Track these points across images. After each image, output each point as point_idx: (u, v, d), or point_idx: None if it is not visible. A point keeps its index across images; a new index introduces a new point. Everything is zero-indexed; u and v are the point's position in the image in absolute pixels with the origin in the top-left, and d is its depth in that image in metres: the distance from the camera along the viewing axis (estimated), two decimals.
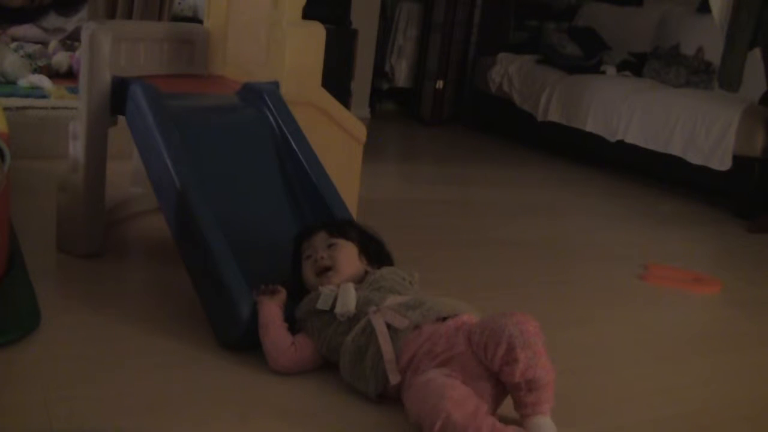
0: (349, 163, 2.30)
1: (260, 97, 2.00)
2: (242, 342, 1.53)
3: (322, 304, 1.49)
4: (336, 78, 3.93)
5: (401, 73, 5.30)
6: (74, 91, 2.93)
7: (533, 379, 1.28)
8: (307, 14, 2.09)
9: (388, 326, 1.41)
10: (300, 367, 1.48)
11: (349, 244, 1.62)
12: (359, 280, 1.57)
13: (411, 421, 1.32)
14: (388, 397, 1.40)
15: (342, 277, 1.56)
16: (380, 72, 5.29)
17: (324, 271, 1.57)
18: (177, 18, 4.10)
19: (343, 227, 1.67)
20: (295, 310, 1.54)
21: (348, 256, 1.60)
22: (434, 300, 1.47)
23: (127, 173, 2.45)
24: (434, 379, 1.28)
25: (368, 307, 1.45)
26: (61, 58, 3.46)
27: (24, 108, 2.88)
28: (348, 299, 1.47)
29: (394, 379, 1.37)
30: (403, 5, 5.23)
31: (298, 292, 1.58)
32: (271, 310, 1.50)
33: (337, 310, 1.46)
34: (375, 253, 1.66)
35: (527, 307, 2.04)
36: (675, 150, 3.63)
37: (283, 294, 1.54)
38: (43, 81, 3.13)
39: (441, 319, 1.42)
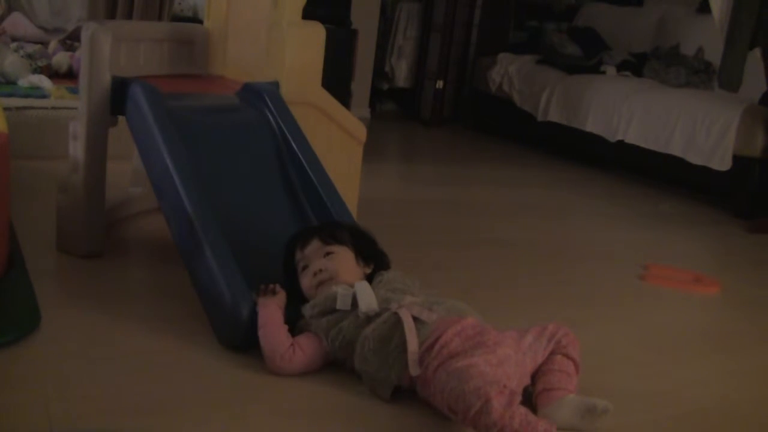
0: (349, 163, 2.30)
1: (260, 98, 2.00)
2: (242, 342, 1.53)
3: (342, 305, 1.48)
4: (336, 78, 3.92)
5: (401, 73, 5.30)
6: (74, 91, 2.93)
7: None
8: (307, 14, 2.09)
9: (415, 319, 1.41)
10: (298, 369, 1.47)
11: (344, 250, 1.61)
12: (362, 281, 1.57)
13: (436, 400, 1.33)
14: (401, 391, 1.41)
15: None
16: (380, 72, 5.29)
17: (323, 283, 1.56)
18: (177, 18, 4.10)
19: (335, 232, 1.64)
20: (303, 308, 1.53)
21: (346, 264, 1.59)
22: (448, 301, 1.49)
23: (127, 173, 2.45)
24: (477, 365, 1.29)
25: (389, 304, 1.46)
26: (61, 58, 3.46)
27: (24, 108, 2.87)
28: (370, 298, 1.47)
29: (414, 370, 1.37)
30: (403, 5, 5.23)
31: (293, 297, 1.57)
32: (271, 312, 1.49)
33: (363, 309, 1.45)
34: (370, 253, 1.65)
35: (527, 307, 2.04)
36: (675, 150, 3.63)
37: (283, 295, 1.54)
38: (43, 81, 3.13)
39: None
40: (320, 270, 1.57)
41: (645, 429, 1.46)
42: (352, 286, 1.51)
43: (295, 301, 1.55)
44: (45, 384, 1.34)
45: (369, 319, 1.45)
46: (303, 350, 1.47)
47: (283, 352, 1.46)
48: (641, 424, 1.48)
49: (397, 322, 1.41)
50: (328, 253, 1.59)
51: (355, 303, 1.47)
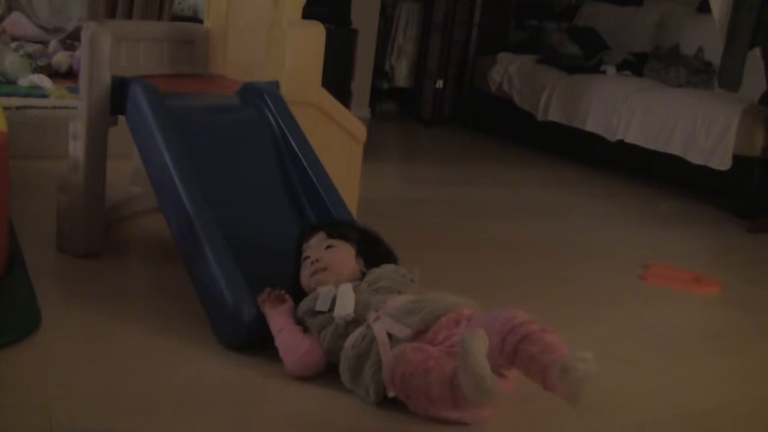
0: (349, 163, 2.30)
1: (260, 97, 2.00)
2: (242, 342, 1.53)
3: (321, 305, 1.48)
4: (336, 78, 3.92)
5: (401, 73, 5.30)
6: (74, 90, 2.92)
7: (543, 341, 1.30)
8: (307, 14, 2.09)
9: (390, 336, 1.40)
10: (319, 364, 1.47)
11: (346, 246, 1.61)
12: (357, 280, 1.57)
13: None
14: (389, 398, 1.40)
15: (336, 278, 1.55)
16: (380, 72, 5.29)
17: (317, 272, 1.57)
18: (177, 18, 4.10)
19: (343, 228, 1.66)
20: (295, 310, 1.54)
21: (343, 258, 1.59)
22: (434, 297, 1.46)
23: (127, 173, 2.45)
24: (425, 347, 1.35)
25: (368, 312, 1.45)
26: (61, 58, 3.46)
27: (24, 108, 2.87)
28: (346, 302, 1.46)
29: (391, 392, 1.37)
30: (403, 5, 5.23)
31: (297, 294, 1.57)
32: (285, 317, 1.49)
33: (336, 313, 1.45)
34: (374, 254, 1.65)
35: (527, 307, 2.03)
36: (675, 150, 3.63)
37: (290, 302, 1.53)
38: (43, 81, 3.13)
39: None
40: (316, 260, 1.58)
41: (645, 429, 1.46)
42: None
43: (298, 300, 1.55)
44: (45, 384, 1.34)
45: (347, 328, 1.45)
46: (317, 347, 1.47)
47: (307, 350, 1.45)
48: (641, 424, 1.48)
49: (375, 338, 1.40)
50: (329, 246, 1.60)
51: (334, 305, 1.47)
